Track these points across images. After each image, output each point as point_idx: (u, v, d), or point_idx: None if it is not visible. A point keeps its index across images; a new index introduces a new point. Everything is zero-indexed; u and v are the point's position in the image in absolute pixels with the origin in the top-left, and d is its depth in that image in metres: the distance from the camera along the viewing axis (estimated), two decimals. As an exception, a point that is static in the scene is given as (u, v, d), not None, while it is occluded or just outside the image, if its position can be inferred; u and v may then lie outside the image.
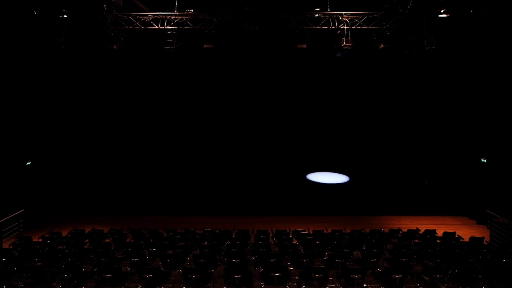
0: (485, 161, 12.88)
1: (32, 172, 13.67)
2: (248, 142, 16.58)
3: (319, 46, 12.06)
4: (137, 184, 15.93)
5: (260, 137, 16.58)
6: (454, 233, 10.11)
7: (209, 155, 16.67)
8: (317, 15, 10.95)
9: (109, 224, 11.97)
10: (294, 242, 9.53)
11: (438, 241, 9.65)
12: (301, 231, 10.62)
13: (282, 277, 6.70)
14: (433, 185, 15.29)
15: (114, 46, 11.02)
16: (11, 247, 9.18)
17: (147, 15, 11.07)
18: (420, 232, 10.42)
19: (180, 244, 8.97)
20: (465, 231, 11.40)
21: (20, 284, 6.88)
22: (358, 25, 10.92)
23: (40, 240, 9.74)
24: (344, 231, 10.67)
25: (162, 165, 16.48)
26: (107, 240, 9.89)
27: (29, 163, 13.61)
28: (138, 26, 11.09)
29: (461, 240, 9.74)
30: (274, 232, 10.48)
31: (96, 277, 6.98)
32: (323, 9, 11.01)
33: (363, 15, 10.93)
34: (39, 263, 7.89)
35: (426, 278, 6.91)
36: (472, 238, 9.52)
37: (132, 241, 9.96)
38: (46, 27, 10.54)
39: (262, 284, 6.94)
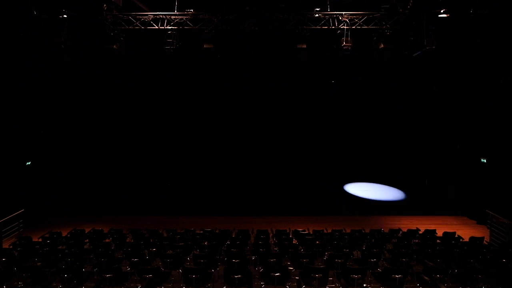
0: (485, 161, 12.88)
1: (32, 172, 13.68)
2: (248, 142, 16.58)
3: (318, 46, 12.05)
4: (137, 184, 15.92)
5: (259, 137, 16.57)
6: (454, 233, 10.12)
7: (209, 155, 16.67)
8: (317, 15, 10.95)
9: (109, 224, 11.96)
10: (294, 242, 9.53)
11: (438, 241, 9.65)
12: (301, 231, 10.62)
13: (282, 277, 6.70)
14: (433, 185, 15.30)
15: (114, 46, 11.01)
16: (11, 247, 9.18)
17: (147, 15, 11.06)
18: (420, 232, 10.43)
19: (180, 244, 8.97)
20: (465, 231, 11.40)
21: (20, 284, 6.88)
22: (358, 25, 10.92)
23: (40, 240, 9.74)
24: (344, 231, 10.67)
25: (162, 165, 16.48)
26: (107, 240, 9.89)
27: (29, 163, 13.61)
28: (138, 26, 11.08)
29: (461, 240, 9.74)
30: (274, 232, 10.48)
31: (96, 277, 6.99)
32: (323, 9, 10.99)
33: (363, 15, 10.93)
34: (39, 263, 7.89)
35: (426, 278, 6.91)
36: (472, 238, 9.53)
37: (132, 241, 9.97)
38: (46, 27, 10.52)
39: (262, 284, 6.94)
